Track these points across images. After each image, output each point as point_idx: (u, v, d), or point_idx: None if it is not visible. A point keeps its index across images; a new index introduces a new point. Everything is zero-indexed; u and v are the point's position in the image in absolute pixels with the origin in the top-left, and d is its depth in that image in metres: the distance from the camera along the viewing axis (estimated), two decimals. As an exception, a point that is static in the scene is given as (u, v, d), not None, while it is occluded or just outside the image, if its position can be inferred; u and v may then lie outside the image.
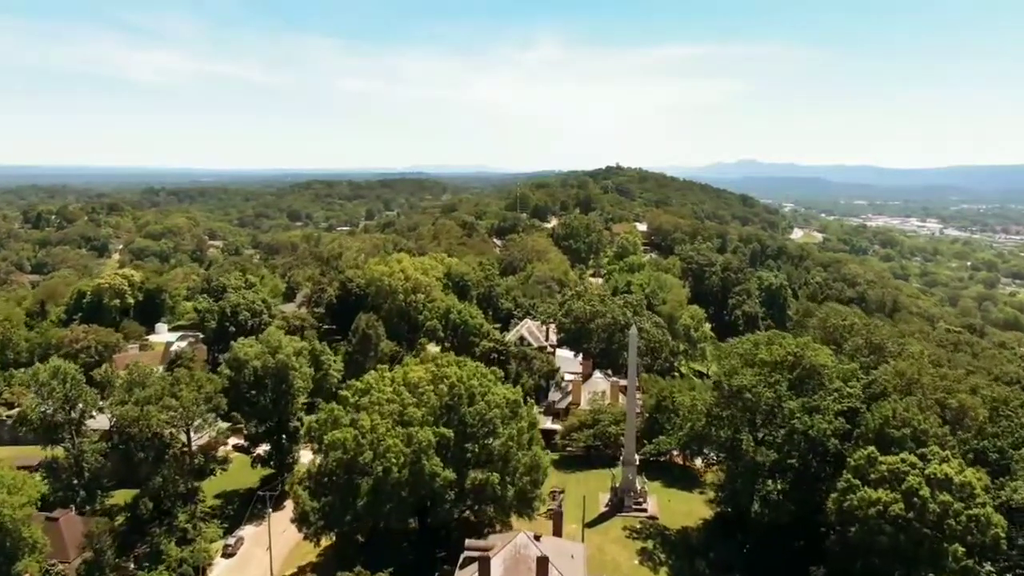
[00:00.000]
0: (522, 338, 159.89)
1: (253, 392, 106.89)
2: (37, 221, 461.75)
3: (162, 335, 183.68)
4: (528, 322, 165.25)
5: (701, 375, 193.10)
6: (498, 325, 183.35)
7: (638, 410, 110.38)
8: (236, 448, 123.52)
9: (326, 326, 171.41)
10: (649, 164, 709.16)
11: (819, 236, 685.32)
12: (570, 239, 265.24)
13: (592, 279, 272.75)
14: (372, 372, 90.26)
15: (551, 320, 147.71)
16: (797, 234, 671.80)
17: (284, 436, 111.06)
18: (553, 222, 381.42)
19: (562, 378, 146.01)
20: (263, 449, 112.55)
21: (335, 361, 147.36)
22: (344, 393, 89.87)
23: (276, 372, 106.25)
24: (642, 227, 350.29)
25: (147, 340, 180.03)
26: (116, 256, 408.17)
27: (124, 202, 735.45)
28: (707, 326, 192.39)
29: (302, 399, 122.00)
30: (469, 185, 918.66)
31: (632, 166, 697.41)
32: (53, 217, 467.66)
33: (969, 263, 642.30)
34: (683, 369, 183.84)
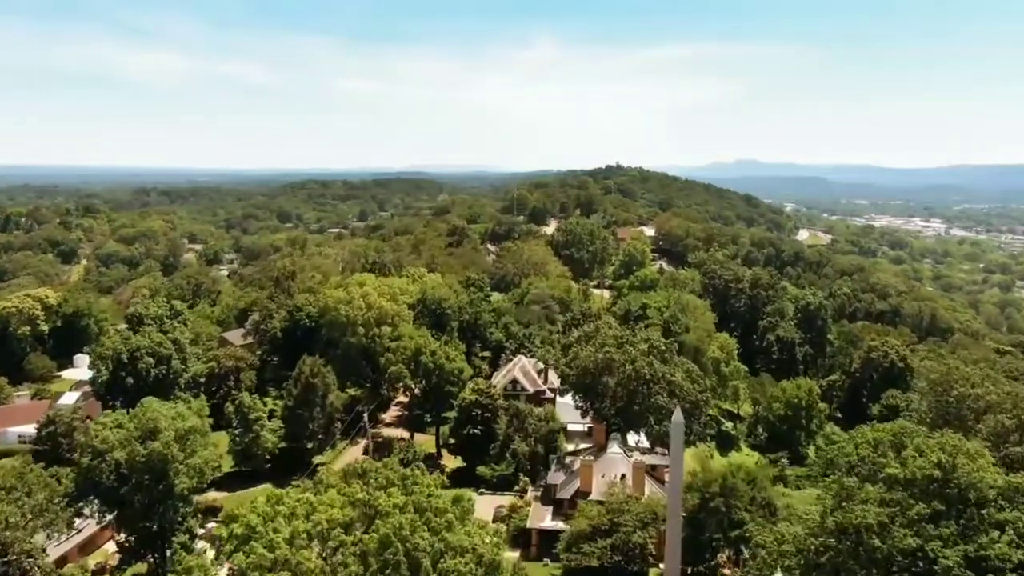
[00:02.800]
0: (514, 381, 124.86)
1: (120, 491, 72.04)
2: (5, 224, 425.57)
3: (82, 370, 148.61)
4: (522, 360, 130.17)
5: (732, 416, 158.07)
6: (487, 355, 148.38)
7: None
8: (121, 547, 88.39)
9: (280, 358, 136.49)
10: (647, 163, 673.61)
11: (826, 237, 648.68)
12: (571, 247, 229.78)
13: (596, 291, 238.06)
14: (261, 500, 54.87)
15: (550, 360, 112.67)
16: (803, 235, 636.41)
17: (169, 550, 76.11)
18: (552, 225, 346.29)
19: (565, 432, 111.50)
20: (140, 567, 77.82)
21: (276, 409, 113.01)
22: (219, 531, 54.87)
23: (149, 467, 71.11)
24: (649, 231, 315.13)
25: (59, 377, 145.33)
26: (84, 262, 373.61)
27: (114, 202, 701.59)
28: (734, 350, 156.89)
29: (213, 473, 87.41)
30: (467, 185, 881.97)
31: (632, 165, 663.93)
32: (23, 219, 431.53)
33: (982, 265, 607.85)
34: (711, 411, 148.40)
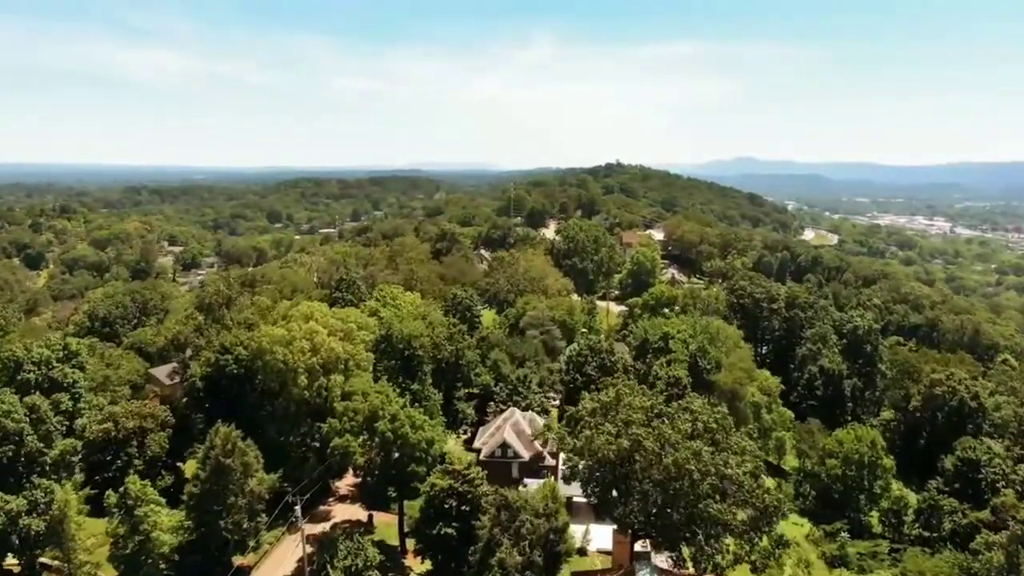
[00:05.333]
0: (504, 445, 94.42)
1: None
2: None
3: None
4: (515, 415, 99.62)
5: (773, 469, 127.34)
6: (473, 395, 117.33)
7: None
8: None
9: (204, 411, 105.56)
10: (646, 161, 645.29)
11: (833, 238, 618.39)
12: (574, 256, 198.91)
13: (601, 303, 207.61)
14: None
15: (551, 437, 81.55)
16: (808, 235, 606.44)
17: None
18: (551, 227, 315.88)
19: (570, 506, 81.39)
20: None
21: (189, 481, 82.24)
22: None
23: None
24: (658, 235, 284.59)
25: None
26: (52, 267, 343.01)
27: (105, 201, 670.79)
28: (778, 391, 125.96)
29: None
30: (464, 183, 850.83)
31: (632, 163, 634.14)
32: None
33: (994, 266, 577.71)
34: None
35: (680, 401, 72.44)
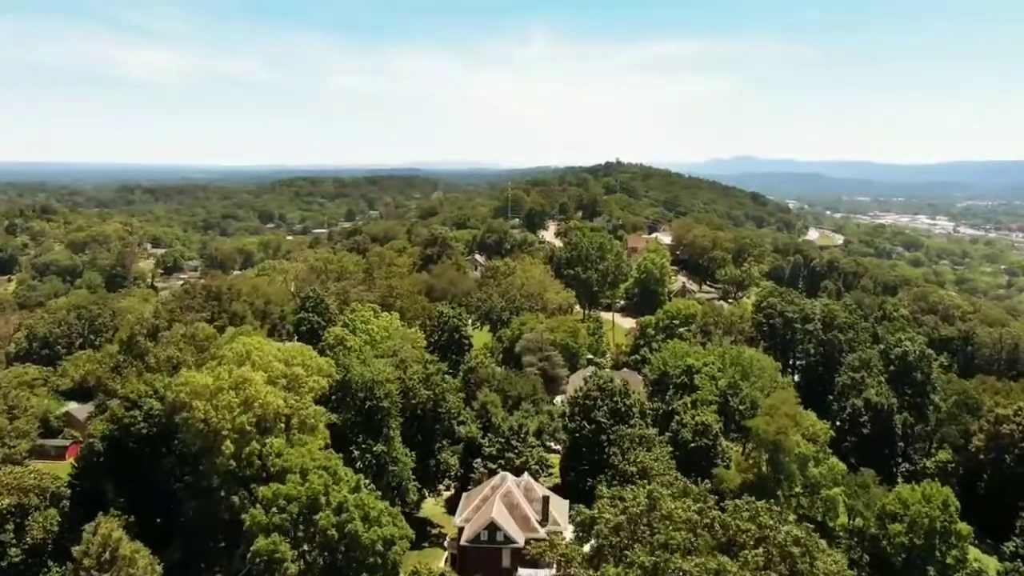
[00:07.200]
0: (493, 527, 72.10)
1: None
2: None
3: None
4: (507, 481, 77.21)
5: (819, 527, 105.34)
6: (459, 439, 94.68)
7: None
8: None
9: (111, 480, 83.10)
10: (646, 160, 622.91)
11: (838, 238, 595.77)
12: (577, 266, 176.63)
13: (605, 314, 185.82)
14: None
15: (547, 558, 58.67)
16: (813, 235, 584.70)
17: None
18: (551, 229, 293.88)
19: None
20: None
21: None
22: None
23: None
24: (665, 239, 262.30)
25: None
26: (23, 272, 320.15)
27: (97, 200, 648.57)
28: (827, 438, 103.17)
29: None
30: (463, 182, 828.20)
31: (632, 162, 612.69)
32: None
33: (1003, 267, 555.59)
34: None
35: (737, 500, 50.21)
